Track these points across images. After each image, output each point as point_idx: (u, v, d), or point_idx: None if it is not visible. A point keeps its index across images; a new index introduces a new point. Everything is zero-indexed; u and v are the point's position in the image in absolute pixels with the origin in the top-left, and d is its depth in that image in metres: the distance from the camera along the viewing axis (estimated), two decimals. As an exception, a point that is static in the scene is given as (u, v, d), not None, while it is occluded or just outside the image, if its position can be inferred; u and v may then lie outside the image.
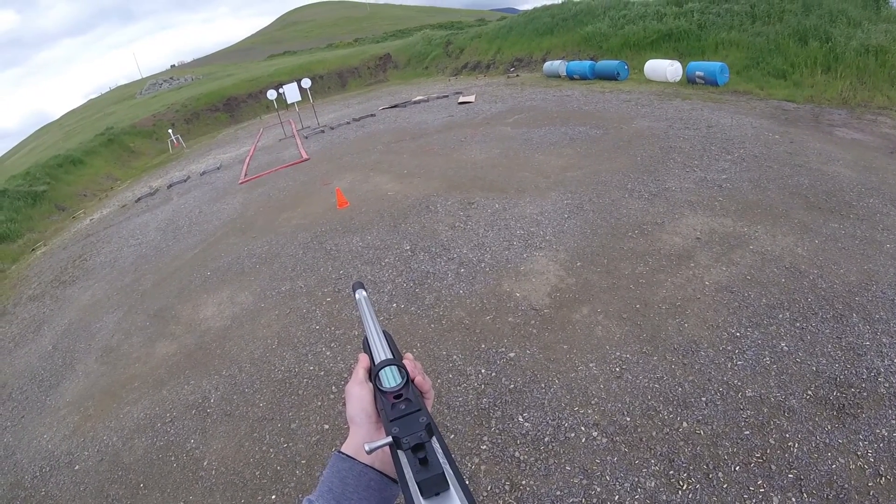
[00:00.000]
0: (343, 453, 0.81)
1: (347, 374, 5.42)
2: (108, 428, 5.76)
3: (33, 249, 16.20)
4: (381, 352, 0.89)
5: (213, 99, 37.25)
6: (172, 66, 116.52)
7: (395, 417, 0.72)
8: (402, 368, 0.81)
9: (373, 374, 0.83)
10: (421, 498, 0.61)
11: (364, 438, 0.80)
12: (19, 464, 5.74)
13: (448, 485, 0.62)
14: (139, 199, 17.77)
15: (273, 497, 4.22)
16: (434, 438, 0.69)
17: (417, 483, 0.61)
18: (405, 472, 0.64)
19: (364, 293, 1.15)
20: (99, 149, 29.03)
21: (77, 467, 5.34)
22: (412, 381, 0.84)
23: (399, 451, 0.67)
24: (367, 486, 0.77)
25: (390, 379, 0.82)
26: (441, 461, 0.65)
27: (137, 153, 30.30)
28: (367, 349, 0.94)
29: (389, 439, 0.68)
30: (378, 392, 0.80)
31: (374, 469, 0.79)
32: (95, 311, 9.00)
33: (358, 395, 0.86)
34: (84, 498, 4.90)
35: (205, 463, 4.81)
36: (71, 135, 42.00)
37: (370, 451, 0.68)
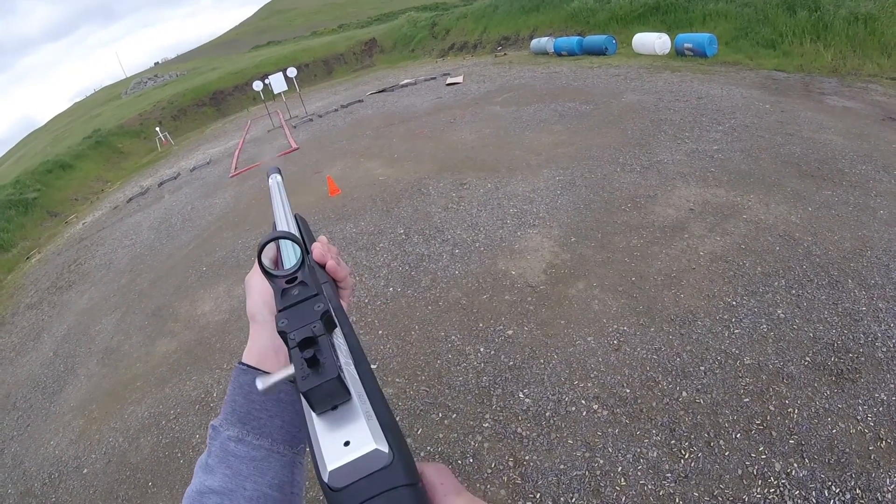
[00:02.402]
0: (245, 364, 0.65)
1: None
2: (114, 429, 5.78)
3: (28, 258, 16.16)
4: (285, 228, 0.77)
5: (199, 94, 37.00)
6: (156, 64, 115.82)
7: (284, 307, 0.56)
8: (297, 244, 0.62)
9: (258, 250, 0.62)
10: (313, 413, 0.47)
11: (268, 340, 0.65)
12: (28, 472, 5.76)
13: (348, 394, 0.47)
14: (130, 199, 17.73)
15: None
16: (337, 333, 0.55)
17: (304, 393, 0.45)
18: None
19: (279, 178, 1.01)
20: (87, 152, 28.90)
21: (85, 471, 5.37)
22: (322, 266, 0.70)
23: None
24: (277, 400, 0.63)
25: (286, 260, 0.68)
26: (342, 363, 0.50)
27: (126, 154, 30.13)
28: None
29: (291, 369, 0.49)
30: (265, 275, 0.62)
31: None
32: (94, 314, 9.00)
33: (259, 287, 0.69)
34: (94, 501, 4.94)
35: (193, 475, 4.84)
36: (59, 139, 41.85)
37: (265, 391, 0.49)
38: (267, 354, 0.65)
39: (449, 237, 7.11)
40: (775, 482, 3.18)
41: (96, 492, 5.03)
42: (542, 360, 4.62)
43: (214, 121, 34.22)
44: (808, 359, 3.96)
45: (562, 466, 3.64)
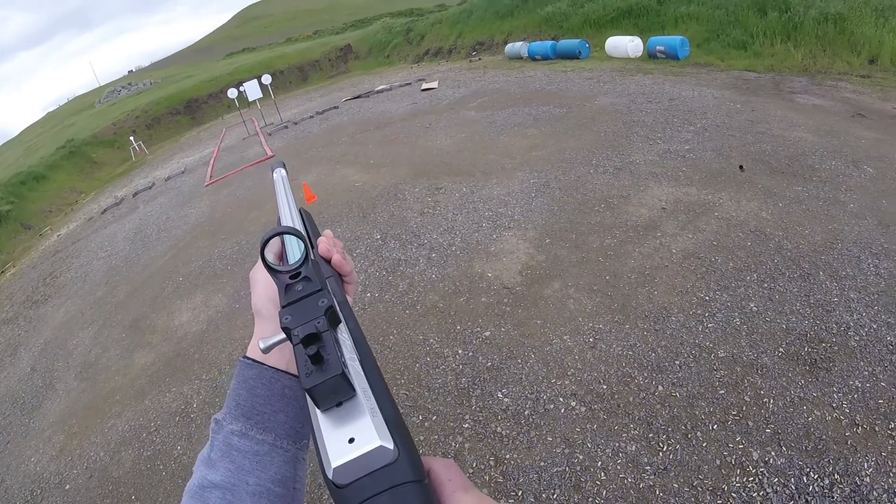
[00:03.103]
0: (249, 358, 0.66)
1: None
2: (95, 444, 5.70)
3: (2, 272, 15.88)
4: (289, 223, 0.76)
5: (173, 102, 36.72)
6: (130, 72, 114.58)
7: (288, 303, 0.55)
8: (301, 239, 0.60)
9: (261, 245, 0.60)
10: (317, 409, 0.47)
11: (272, 334, 0.59)
12: (10, 490, 5.66)
13: (353, 390, 0.47)
14: (105, 210, 17.48)
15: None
16: (342, 328, 0.56)
17: (308, 390, 0.45)
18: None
19: (283, 172, 0.99)
20: (61, 162, 28.55)
21: (67, 486, 5.29)
22: (328, 261, 0.70)
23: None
24: (281, 395, 0.63)
25: (290, 255, 0.68)
26: (346, 358, 0.50)
27: (100, 164, 29.80)
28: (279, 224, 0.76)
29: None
30: (269, 271, 0.60)
31: (288, 373, 0.64)
32: (71, 328, 8.85)
33: (263, 282, 0.68)
34: None
35: (193, 469, 4.79)
36: (32, 150, 41.18)
37: (265, 350, 0.53)
38: (274, 353, 0.65)
39: (425, 241, 7.12)
40: (754, 470, 3.23)
41: None
42: (519, 360, 4.65)
43: (189, 129, 33.98)
44: (781, 350, 4.02)
45: (542, 463, 3.67)
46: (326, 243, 0.72)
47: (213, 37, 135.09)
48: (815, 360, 3.87)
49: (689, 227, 5.87)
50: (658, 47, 14.56)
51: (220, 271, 8.38)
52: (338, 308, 0.56)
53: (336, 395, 0.46)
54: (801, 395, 3.63)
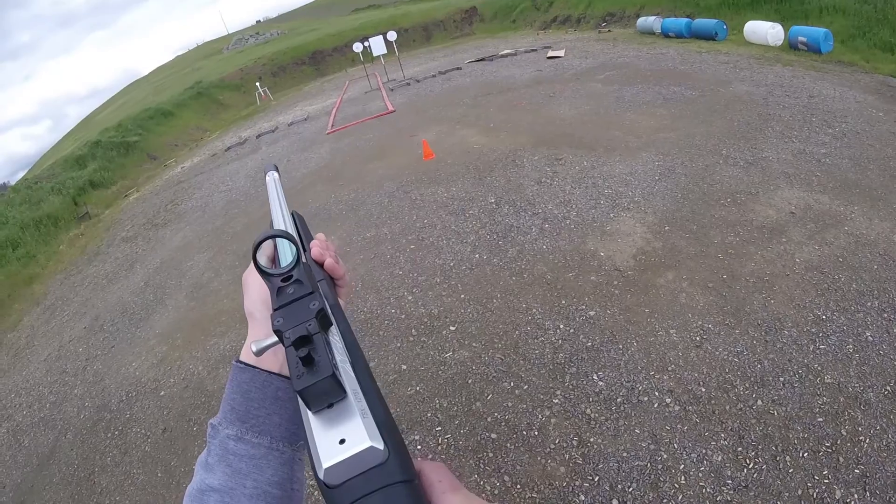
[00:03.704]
0: (242, 362, 0.66)
1: (428, 318, 5.59)
2: (195, 358, 6.17)
3: (126, 195, 17.24)
4: (281, 226, 0.76)
5: (299, 53, 37.80)
6: (258, 22, 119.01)
7: (279, 305, 0.56)
8: (292, 242, 0.61)
9: (253, 248, 0.62)
10: (309, 411, 0.48)
11: (269, 351, 0.61)
12: (107, 389, 6.27)
13: (343, 392, 0.48)
14: (229, 148, 18.51)
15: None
16: (333, 330, 0.56)
17: (299, 391, 0.46)
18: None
19: (276, 175, 1.01)
20: (188, 101, 30.27)
21: (162, 393, 5.78)
22: (321, 264, 0.72)
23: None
24: (275, 398, 0.64)
25: (283, 258, 0.69)
26: (337, 360, 0.51)
27: (226, 105, 31.37)
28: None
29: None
30: (260, 274, 0.62)
31: (281, 376, 0.66)
32: (187, 251, 9.57)
33: (256, 285, 0.70)
34: (167, 421, 5.32)
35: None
36: (160, 89, 43.72)
37: (258, 353, 0.55)
38: (267, 357, 0.66)
39: (540, 211, 7.08)
40: None
41: (170, 413, 5.41)
42: (620, 346, 4.59)
43: (313, 79, 35.00)
44: (888, 388, 3.73)
45: (625, 454, 3.64)
46: (319, 247, 0.73)
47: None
48: (920, 407, 3.58)
49: (817, 237, 5.49)
50: (800, 38, 13.50)
51: (336, 215, 8.74)
52: (329, 310, 0.57)
53: (327, 396, 0.47)
54: None
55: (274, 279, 0.60)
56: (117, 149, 21.93)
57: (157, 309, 7.76)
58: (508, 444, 3.94)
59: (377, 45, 21.27)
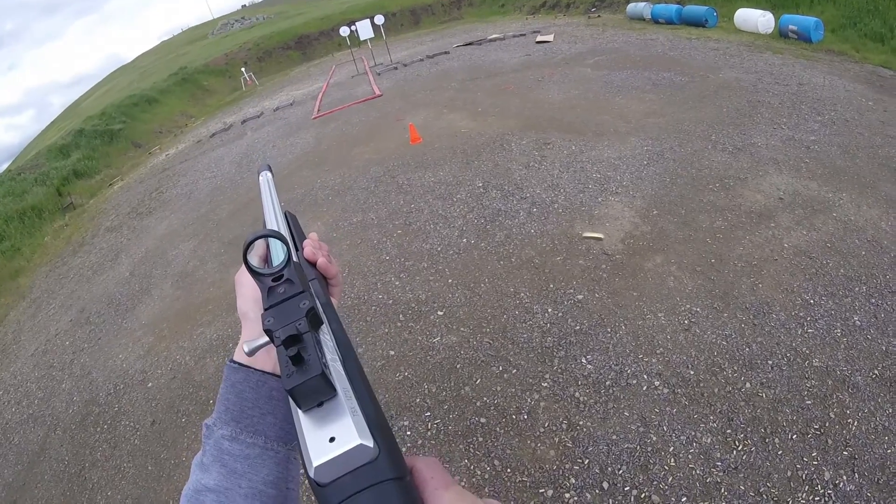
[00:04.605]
0: (235, 362, 0.66)
1: (415, 303, 5.56)
2: (182, 348, 6.13)
3: (111, 184, 17.10)
4: (274, 226, 0.76)
5: (285, 37, 37.54)
6: (243, 7, 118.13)
7: (270, 305, 0.56)
8: (283, 242, 0.63)
9: (243, 248, 0.62)
10: (299, 410, 0.48)
11: (262, 350, 0.63)
12: (95, 382, 6.20)
13: (333, 390, 0.48)
14: (214, 134, 18.36)
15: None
16: (324, 329, 0.57)
17: (289, 390, 0.46)
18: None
19: (269, 175, 1.01)
20: (173, 88, 30.04)
21: (150, 385, 5.73)
22: (313, 264, 0.72)
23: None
24: (269, 397, 0.64)
25: (275, 258, 0.69)
26: (328, 359, 0.51)
27: (211, 91, 31.18)
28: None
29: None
30: (251, 274, 0.62)
31: (275, 376, 0.65)
32: (172, 240, 9.48)
33: (248, 285, 0.69)
34: (155, 413, 5.27)
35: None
36: (145, 75, 43.30)
37: (250, 352, 0.56)
38: (260, 356, 0.66)
39: (528, 195, 7.06)
40: (822, 491, 3.10)
41: (158, 405, 5.37)
42: (609, 329, 4.60)
43: (299, 64, 34.74)
44: (876, 372, 3.77)
45: (614, 437, 3.66)
46: (311, 246, 0.74)
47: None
48: (908, 390, 3.62)
49: (805, 223, 5.52)
50: (790, 26, 13.52)
51: (321, 200, 8.66)
52: (320, 309, 0.57)
53: (317, 395, 0.47)
54: (886, 424, 3.40)
55: (265, 279, 0.60)
56: (101, 137, 21.72)
57: (143, 299, 7.69)
58: (498, 429, 3.94)
59: (364, 29, 21.12)
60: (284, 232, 0.75)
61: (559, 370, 4.30)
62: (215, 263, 7.88)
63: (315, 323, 0.54)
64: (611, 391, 4.01)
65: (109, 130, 22.37)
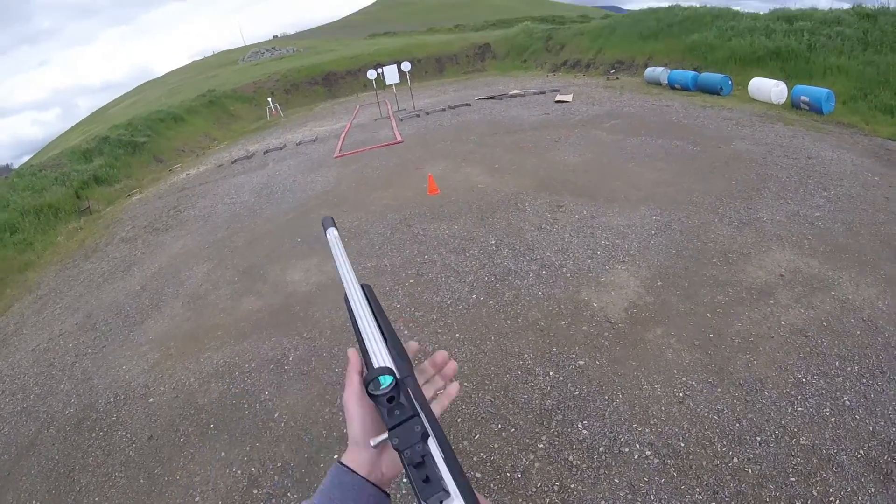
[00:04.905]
0: (345, 465, 0.78)
1: (422, 355, 5.67)
2: (187, 369, 6.24)
3: (129, 195, 17.36)
4: (372, 341, 0.81)
5: (313, 72, 37.98)
6: (275, 37, 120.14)
7: (393, 425, 0.67)
8: (391, 373, 0.73)
9: (366, 381, 0.75)
10: None
11: (367, 463, 0.78)
12: (95, 388, 6.32)
13: (449, 494, 0.59)
14: (236, 160, 18.60)
15: (335, 457, 4.46)
16: (430, 440, 0.66)
17: (418, 494, 0.60)
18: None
19: (335, 233, 1.05)
20: (200, 108, 30.49)
21: (151, 400, 5.84)
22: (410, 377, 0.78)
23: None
24: (367, 501, 0.75)
25: (374, 358, 0.78)
26: (440, 469, 0.62)
27: (236, 117, 31.58)
28: (359, 338, 0.83)
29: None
30: (371, 398, 0.74)
31: (374, 484, 0.77)
32: (186, 260, 9.65)
33: (360, 417, 0.80)
34: (154, 428, 5.38)
35: (276, 415, 5.19)
36: (174, 92, 44.14)
37: (375, 446, 0.72)
38: (362, 464, 0.78)
39: (538, 257, 7.20)
40: None
41: (158, 420, 5.48)
42: (606, 397, 4.70)
43: (324, 100, 35.15)
44: (861, 452, 3.86)
45: (603, 502, 3.75)
46: (453, 368, 0.93)
47: (357, 16, 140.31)
48: (892, 471, 3.69)
49: (804, 301, 5.63)
50: (802, 97, 13.80)
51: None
52: (427, 426, 0.67)
53: (439, 497, 0.59)
54: (868, 503, 3.50)
55: (380, 399, 0.71)
56: (125, 147, 22.16)
57: (152, 314, 7.82)
58: (492, 485, 4.03)
59: (391, 74, 21.55)
60: (379, 337, 0.81)
61: (556, 433, 4.40)
62: (228, 290, 7.99)
63: (424, 437, 0.65)
64: (603, 457, 4.10)
65: (134, 142, 22.80)
